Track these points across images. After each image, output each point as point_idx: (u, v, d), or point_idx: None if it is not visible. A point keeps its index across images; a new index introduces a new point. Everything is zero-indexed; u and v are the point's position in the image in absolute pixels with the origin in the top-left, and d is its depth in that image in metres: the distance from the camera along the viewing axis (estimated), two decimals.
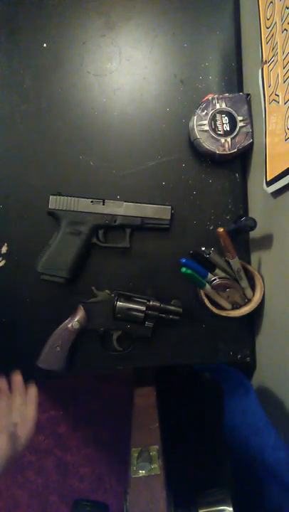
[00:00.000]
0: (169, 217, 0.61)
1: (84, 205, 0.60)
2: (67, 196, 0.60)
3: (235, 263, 0.56)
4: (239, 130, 0.59)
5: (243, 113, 0.59)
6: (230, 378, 0.64)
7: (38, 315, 0.63)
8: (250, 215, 0.64)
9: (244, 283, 0.58)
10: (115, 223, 0.60)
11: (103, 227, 0.61)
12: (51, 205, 0.60)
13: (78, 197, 0.60)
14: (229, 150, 0.59)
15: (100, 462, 1.24)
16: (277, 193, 0.52)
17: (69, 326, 0.57)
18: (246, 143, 0.60)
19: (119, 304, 0.58)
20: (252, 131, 0.60)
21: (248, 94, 0.60)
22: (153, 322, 0.59)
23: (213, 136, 0.59)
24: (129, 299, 0.59)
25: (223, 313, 0.58)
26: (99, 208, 0.60)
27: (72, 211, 0.60)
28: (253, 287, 0.60)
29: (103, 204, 0.60)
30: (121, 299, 0.59)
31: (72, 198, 0.60)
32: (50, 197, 0.60)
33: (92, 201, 0.60)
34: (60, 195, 0.60)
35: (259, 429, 0.53)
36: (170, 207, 0.61)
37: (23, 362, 0.62)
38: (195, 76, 0.64)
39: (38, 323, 0.62)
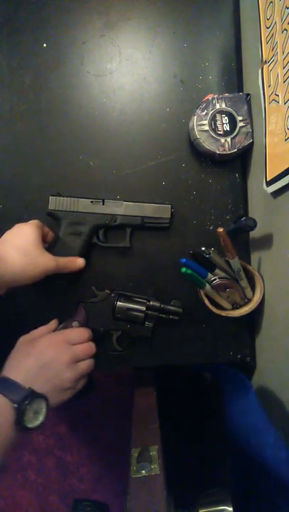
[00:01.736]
0: (169, 215, 0.61)
1: (84, 205, 0.60)
2: (66, 197, 0.60)
3: (235, 263, 0.56)
4: (239, 130, 0.59)
5: (243, 113, 0.59)
6: (230, 378, 0.64)
7: (38, 315, 0.62)
8: (250, 215, 0.64)
9: (244, 283, 0.58)
10: (115, 223, 0.60)
11: (103, 227, 0.61)
12: (51, 206, 0.60)
13: (78, 197, 0.60)
14: (229, 150, 0.59)
15: (100, 462, 1.24)
16: (277, 193, 0.52)
17: (69, 326, 0.57)
18: (246, 143, 0.60)
19: (119, 303, 0.58)
20: (252, 131, 0.60)
21: (248, 94, 0.60)
22: (153, 322, 0.59)
23: (213, 136, 0.59)
24: (129, 299, 0.59)
25: (223, 313, 0.58)
26: (99, 208, 0.60)
27: (72, 212, 0.60)
28: (253, 287, 0.60)
29: (103, 204, 0.60)
30: (121, 299, 0.59)
31: (72, 199, 0.60)
32: (50, 198, 0.60)
33: (91, 201, 0.60)
34: (59, 195, 0.60)
35: (259, 429, 0.53)
36: (170, 205, 0.61)
37: None
38: (195, 76, 0.64)
39: (39, 323, 0.62)
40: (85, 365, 0.53)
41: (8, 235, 0.54)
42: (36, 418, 0.44)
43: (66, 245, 0.59)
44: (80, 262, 0.59)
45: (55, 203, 0.60)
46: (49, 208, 0.60)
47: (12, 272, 0.50)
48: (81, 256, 0.60)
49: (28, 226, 0.54)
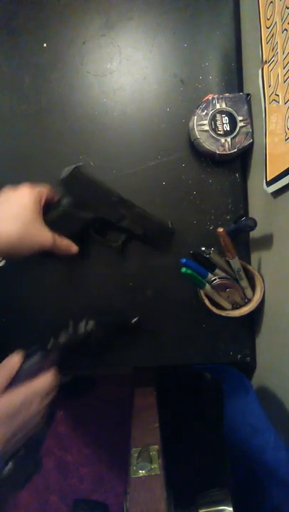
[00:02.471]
0: (168, 243, 0.61)
1: (103, 194, 0.55)
2: (91, 177, 0.53)
3: (235, 263, 0.56)
4: (239, 130, 0.59)
5: (243, 113, 0.59)
6: (230, 378, 0.64)
7: (37, 315, 0.63)
8: (250, 215, 0.64)
9: (244, 283, 0.58)
10: (119, 224, 0.58)
11: (105, 223, 0.58)
12: (66, 175, 0.52)
13: (102, 183, 0.54)
14: (229, 150, 0.59)
15: (100, 462, 1.24)
16: (277, 193, 0.52)
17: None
18: (246, 143, 0.60)
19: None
20: (252, 131, 0.60)
21: (248, 94, 0.60)
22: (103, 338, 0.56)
23: (213, 136, 0.59)
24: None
25: (223, 313, 0.58)
26: (113, 203, 0.56)
27: (91, 192, 0.54)
28: (253, 287, 0.60)
29: (118, 201, 0.56)
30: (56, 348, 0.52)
31: (97, 180, 0.54)
32: (75, 166, 0.53)
33: (114, 198, 0.56)
34: (83, 167, 0.53)
35: (259, 429, 0.52)
36: (173, 232, 0.61)
37: None
38: (195, 76, 0.64)
39: (38, 324, 0.63)
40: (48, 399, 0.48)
41: (5, 204, 0.49)
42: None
43: (61, 224, 0.53)
44: (74, 249, 0.56)
45: (77, 174, 0.52)
46: (64, 174, 0.53)
47: (7, 244, 0.47)
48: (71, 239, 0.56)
49: (27, 197, 0.49)
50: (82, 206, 0.54)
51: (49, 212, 0.53)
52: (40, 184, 0.54)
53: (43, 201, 0.52)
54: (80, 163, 0.53)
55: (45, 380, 0.48)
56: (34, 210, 0.49)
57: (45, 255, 0.53)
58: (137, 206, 0.58)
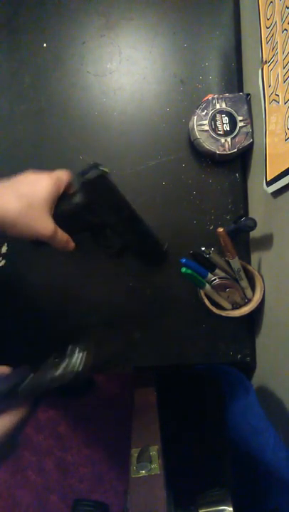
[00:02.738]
0: (159, 263, 0.62)
1: (117, 204, 0.53)
2: (113, 185, 0.50)
3: (235, 263, 0.56)
4: (239, 130, 0.59)
5: (243, 113, 0.59)
6: (230, 378, 0.64)
7: (37, 315, 0.63)
8: (250, 215, 0.64)
9: (244, 283, 0.58)
10: (121, 236, 0.57)
11: (108, 230, 0.57)
12: (93, 178, 0.48)
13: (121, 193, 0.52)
14: (229, 150, 0.59)
15: (100, 462, 1.24)
16: (277, 193, 0.52)
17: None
18: (246, 143, 0.60)
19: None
20: (252, 131, 0.60)
21: (248, 94, 0.60)
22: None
23: (213, 136, 0.59)
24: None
25: (223, 313, 0.58)
26: (123, 216, 0.54)
27: (107, 201, 0.51)
28: (253, 287, 0.60)
29: (129, 214, 0.54)
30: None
31: (117, 190, 0.51)
32: (102, 171, 0.48)
33: (126, 210, 0.54)
34: (107, 172, 0.49)
35: (259, 429, 0.52)
36: (167, 255, 0.61)
37: (20, 361, 0.62)
38: (195, 76, 0.64)
39: (37, 324, 0.63)
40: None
41: (20, 180, 0.47)
42: None
43: (65, 220, 0.50)
44: (72, 246, 0.53)
45: (102, 180, 0.48)
46: (88, 176, 0.48)
47: (2, 217, 0.44)
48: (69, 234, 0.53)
49: (46, 182, 0.47)
50: (93, 210, 0.52)
51: (58, 205, 0.50)
52: (61, 170, 0.51)
53: (59, 192, 0.50)
54: (106, 169, 0.50)
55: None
56: (46, 198, 0.47)
57: (40, 244, 0.51)
58: (143, 223, 0.56)
